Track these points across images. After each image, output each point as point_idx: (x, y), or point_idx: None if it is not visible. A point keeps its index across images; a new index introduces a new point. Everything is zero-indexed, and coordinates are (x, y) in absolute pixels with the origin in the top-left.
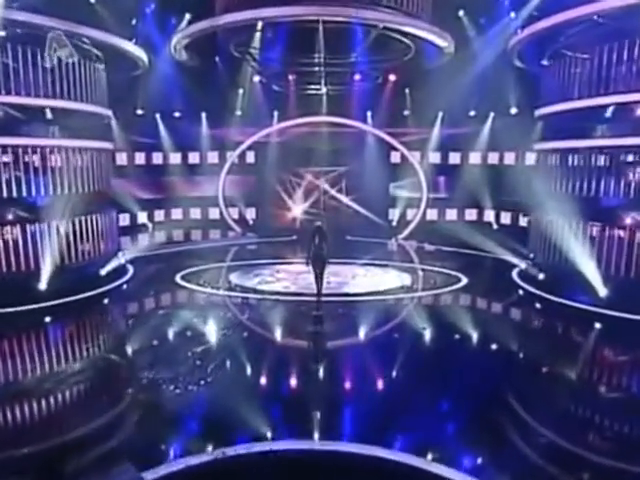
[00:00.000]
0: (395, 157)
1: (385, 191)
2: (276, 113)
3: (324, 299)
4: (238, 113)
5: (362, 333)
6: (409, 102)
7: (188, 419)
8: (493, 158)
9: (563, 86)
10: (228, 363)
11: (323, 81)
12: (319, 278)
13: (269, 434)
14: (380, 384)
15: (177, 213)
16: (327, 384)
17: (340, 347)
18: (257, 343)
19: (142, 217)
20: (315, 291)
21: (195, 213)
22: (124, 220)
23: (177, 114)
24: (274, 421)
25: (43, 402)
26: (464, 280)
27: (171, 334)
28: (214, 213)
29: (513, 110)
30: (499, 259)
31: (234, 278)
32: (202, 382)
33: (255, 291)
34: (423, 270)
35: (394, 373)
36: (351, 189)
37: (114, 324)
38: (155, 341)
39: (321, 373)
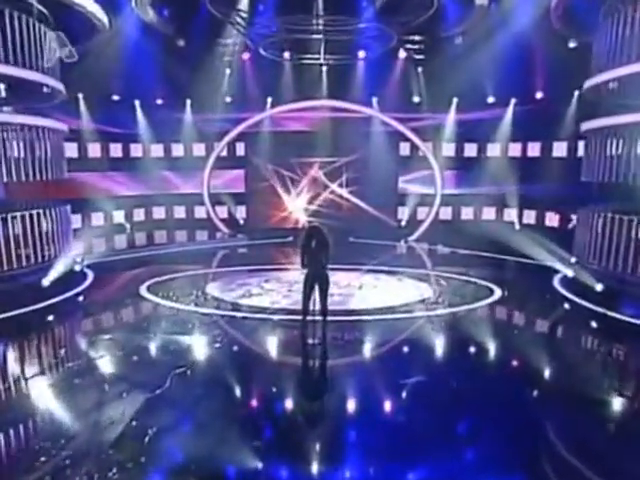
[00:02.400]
0: (405, 148)
1: (393, 186)
2: (269, 99)
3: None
4: (227, 99)
5: (383, 378)
6: (421, 83)
7: None
8: (516, 150)
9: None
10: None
11: (322, 53)
12: (321, 297)
13: None
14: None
15: (159, 212)
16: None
17: (355, 408)
18: (225, 398)
19: (118, 216)
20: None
21: (179, 212)
22: (97, 220)
23: (159, 101)
24: None
25: None
26: (497, 291)
27: (103, 377)
28: (200, 212)
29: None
30: (530, 264)
31: (212, 289)
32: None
33: (234, 307)
34: (443, 278)
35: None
36: (354, 183)
37: (32, 357)
38: (75, 390)
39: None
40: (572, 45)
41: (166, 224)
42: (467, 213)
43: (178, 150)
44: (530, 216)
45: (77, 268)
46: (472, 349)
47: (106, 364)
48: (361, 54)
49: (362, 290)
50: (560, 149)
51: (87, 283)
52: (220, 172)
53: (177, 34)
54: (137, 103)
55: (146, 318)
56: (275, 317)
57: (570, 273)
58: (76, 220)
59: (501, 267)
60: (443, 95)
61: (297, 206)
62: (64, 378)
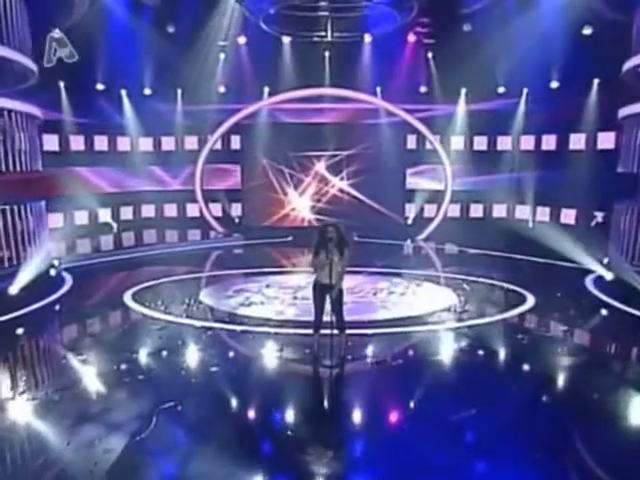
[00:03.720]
0: (413, 140)
1: (401, 181)
2: (267, 89)
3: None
4: (221, 89)
5: (424, 413)
6: (432, 70)
7: None
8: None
9: None
10: None
11: (328, 30)
12: (334, 309)
13: None
14: None
15: (149, 210)
16: None
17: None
18: (225, 446)
19: (104, 215)
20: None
21: (170, 210)
22: (81, 218)
23: (147, 91)
24: None
25: None
26: (528, 297)
27: (70, 415)
28: (193, 210)
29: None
30: (554, 264)
31: (207, 296)
32: None
33: (231, 320)
34: (465, 282)
35: None
36: (358, 178)
37: None
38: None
39: None
40: (587, 32)
41: (156, 223)
42: (477, 210)
43: (169, 144)
44: (544, 213)
45: (53, 272)
46: (525, 372)
47: (76, 397)
48: (367, 38)
49: (378, 297)
50: (578, 141)
51: (63, 290)
52: (214, 167)
53: (167, 17)
54: (124, 93)
55: (129, 333)
56: (281, 331)
57: (608, 275)
58: (57, 219)
59: (524, 268)
60: (455, 83)
61: (302, 203)
62: (18, 416)
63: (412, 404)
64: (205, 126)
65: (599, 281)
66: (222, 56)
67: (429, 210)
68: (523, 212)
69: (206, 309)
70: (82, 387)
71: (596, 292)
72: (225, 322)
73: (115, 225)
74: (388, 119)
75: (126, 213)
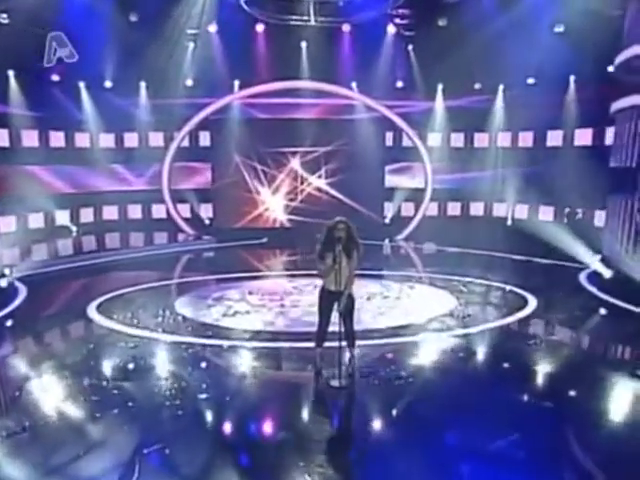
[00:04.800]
0: (391, 137)
1: (379, 179)
2: (237, 83)
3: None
4: (189, 82)
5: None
6: (413, 64)
7: None
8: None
9: None
10: None
11: (310, 14)
12: (344, 320)
13: None
14: None
15: (111, 212)
16: None
17: None
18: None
19: (62, 217)
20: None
21: (135, 211)
22: (36, 221)
23: (108, 83)
24: None
25: None
26: (529, 298)
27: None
28: (159, 211)
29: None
30: (541, 262)
31: (183, 307)
32: None
33: (215, 333)
34: (461, 283)
35: None
36: (336, 176)
37: None
38: None
39: None
40: (558, 30)
41: (119, 226)
42: (455, 208)
43: (132, 140)
44: (522, 210)
45: (4, 283)
46: (555, 384)
47: (34, 441)
48: (345, 28)
49: (373, 302)
50: (556, 138)
51: (17, 303)
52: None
53: (129, 3)
54: (82, 85)
55: (97, 354)
56: (275, 345)
57: (606, 273)
58: (9, 222)
59: (515, 268)
60: (433, 78)
61: (274, 202)
62: None
63: (445, 432)
64: (171, 122)
65: (594, 278)
66: (191, 46)
67: (406, 209)
68: (501, 210)
69: (184, 321)
70: (41, 427)
71: (596, 291)
72: (208, 336)
73: (74, 228)
74: (367, 115)
75: (86, 215)
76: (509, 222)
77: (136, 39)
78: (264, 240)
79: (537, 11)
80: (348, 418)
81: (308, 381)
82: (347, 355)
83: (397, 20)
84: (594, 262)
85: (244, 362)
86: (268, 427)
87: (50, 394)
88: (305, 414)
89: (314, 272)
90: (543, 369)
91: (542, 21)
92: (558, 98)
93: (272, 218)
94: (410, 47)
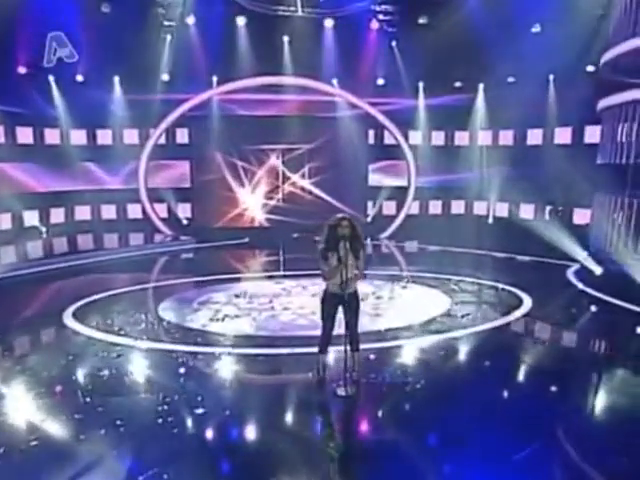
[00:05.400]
0: (375, 134)
1: (363, 178)
2: (215, 78)
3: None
4: (165, 77)
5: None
6: (397, 61)
7: None
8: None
9: None
10: None
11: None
12: (349, 322)
13: None
14: None
15: (83, 212)
16: None
17: None
18: None
19: (31, 218)
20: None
21: (109, 211)
22: (3, 223)
23: (79, 77)
24: None
25: None
26: (522, 296)
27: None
28: (135, 211)
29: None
30: (526, 260)
31: (167, 312)
32: None
33: (205, 340)
34: (452, 282)
35: None
36: (318, 174)
37: None
38: None
39: None
40: (535, 30)
41: (92, 226)
42: (436, 207)
43: (105, 137)
44: (503, 209)
45: None
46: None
47: (11, 469)
48: (328, 22)
49: (366, 302)
50: (536, 137)
51: None
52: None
53: None
54: (52, 79)
55: (77, 366)
56: (270, 352)
57: (597, 270)
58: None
59: (501, 265)
60: (418, 75)
61: (253, 201)
62: None
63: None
64: (147, 118)
65: (582, 274)
66: (168, 38)
67: (388, 207)
68: (482, 208)
69: (170, 327)
70: (19, 453)
71: (586, 288)
72: (198, 343)
73: (44, 229)
74: (350, 112)
75: (57, 216)
76: (490, 220)
77: (109, 31)
78: (245, 240)
79: (518, 10)
80: (361, 430)
81: (312, 391)
82: (350, 360)
83: (380, 16)
84: (585, 259)
85: (240, 371)
86: (275, 445)
87: (26, 414)
88: (314, 428)
89: (300, 273)
90: (559, 368)
91: (523, 20)
92: (538, 97)
93: (252, 217)
94: (394, 43)
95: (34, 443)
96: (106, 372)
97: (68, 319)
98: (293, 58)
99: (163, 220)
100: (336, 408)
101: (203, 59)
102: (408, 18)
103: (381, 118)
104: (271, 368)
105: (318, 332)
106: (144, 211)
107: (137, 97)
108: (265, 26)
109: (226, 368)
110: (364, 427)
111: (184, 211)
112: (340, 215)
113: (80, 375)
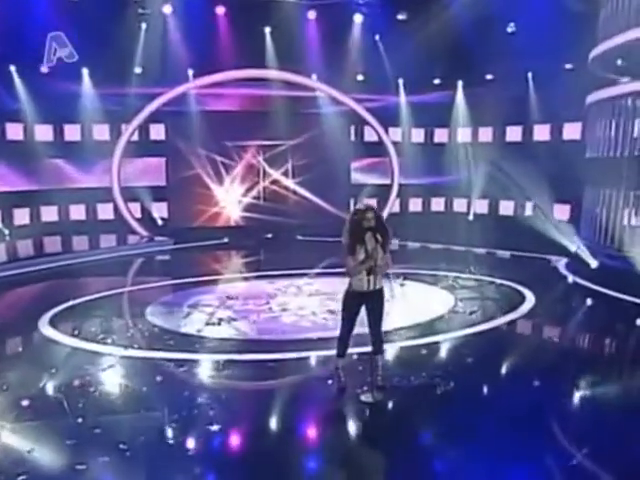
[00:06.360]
0: (358, 131)
1: (345, 175)
2: (191, 72)
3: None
4: (137, 69)
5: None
6: (381, 55)
7: None
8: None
9: None
10: None
11: None
12: (373, 323)
13: None
14: None
15: (50, 213)
16: None
17: None
18: None
19: None
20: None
21: (78, 212)
22: None
23: (44, 69)
24: None
25: None
26: (524, 291)
27: None
28: (106, 211)
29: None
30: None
31: (155, 317)
32: None
33: (201, 346)
34: (450, 278)
35: None
36: (301, 171)
37: None
38: None
39: None
40: (510, 30)
41: (60, 228)
42: (416, 204)
43: (73, 133)
44: (482, 205)
45: None
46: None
47: None
48: (311, 15)
49: None
50: (515, 133)
51: None
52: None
53: None
54: (13, 69)
55: (60, 380)
56: (278, 357)
57: (592, 264)
58: None
59: (491, 261)
60: (399, 71)
61: (232, 200)
62: None
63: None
64: (119, 113)
65: (572, 267)
66: (143, 27)
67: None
68: (462, 205)
69: (163, 334)
70: None
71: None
72: (197, 351)
73: (6, 231)
74: (332, 108)
75: (21, 217)
76: (470, 217)
77: (78, 19)
78: (225, 240)
79: (496, 8)
80: (397, 441)
81: (335, 398)
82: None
83: (363, 9)
84: (581, 252)
85: (252, 379)
86: (307, 463)
87: (7, 443)
88: (344, 439)
89: (290, 272)
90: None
91: (501, 18)
92: (517, 94)
93: (232, 217)
94: (377, 37)
95: (22, 478)
96: (97, 387)
97: (45, 328)
98: (275, 51)
99: (137, 220)
100: (364, 416)
101: (180, 50)
102: (390, 13)
103: (364, 114)
104: (285, 375)
105: (326, 334)
106: (116, 211)
107: (108, 90)
108: (246, 16)
109: (235, 377)
110: (403, 437)
111: (159, 210)
112: (362, 206)
113: (67, 392)
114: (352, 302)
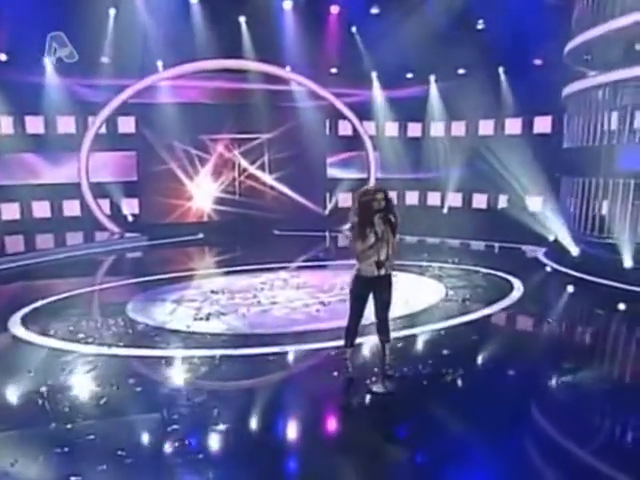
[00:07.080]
0: (335, 125)
1: (322, 170)
2: (160, 63)
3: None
4: (104, 59)
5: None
6: (359, 47)
7: None
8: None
9: None
10: None
11: None
12: (380, 311)
13: None
14: None
15: (11, 210)
16: None
17: None
18: None
19: None
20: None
21: (42, 209)
22: None
23: (3, 57)
24: None
25: None
26: (511, 279)
27: None
28: (72, 208)
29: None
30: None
31: (138, 313)
32: None
33: (193, 341)
34: (435, 268)
35: None
36: (276, 165)
37: None
38: None
39: None
40: (480, 27)
41: (22, 226)
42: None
43: (36, 125)
44: (456, 199)
45: None
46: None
47: None
48: (287, 5)
49: None
50: (488, 127)
51: None
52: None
53: None
54: None
55: (41, 383)
56: (276, 350)
57: (574, 251)
58: None
59: (471, 251)
60: (373, 64)
61: (204, 193)
62: None
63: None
64: (86, 104)
65: (551, 256)
66: (111, 13)
67: (344, 200)
68: (435, 198)
69: (149, 330)
70: None
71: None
72: (188, 347)
73: None
74: (309, 102)
75: None
76: (445, 210)
77: (41, 3)
78: (200, 236)
79: (468, 3)
80: (416, 433)
81: (345, 390)
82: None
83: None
84: (564, 240)
85: (252, 374)
86: (321, 460)
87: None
88: (359, 433)
89: (274, 266)
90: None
91: (473, 13)
92: (489, 89)
93: (205, 211)
94: (354, 29)
95: None
96: (82, 389)
97: (16, 328)
98: (251, 41)
99: (107, 217)
100: (378, 407)
101: (151, 40)
102: (365, 6)
103: (342, 108)
104: (288, 369)
105: (321, 325)
106: (83, 207)
107: (74, 81)
108: (221, 5)
109: (234, 372)
110: (419, 429)
111: (130, 206)
112: (372, 187)
113: (50, 395)
114: (361, 288)
